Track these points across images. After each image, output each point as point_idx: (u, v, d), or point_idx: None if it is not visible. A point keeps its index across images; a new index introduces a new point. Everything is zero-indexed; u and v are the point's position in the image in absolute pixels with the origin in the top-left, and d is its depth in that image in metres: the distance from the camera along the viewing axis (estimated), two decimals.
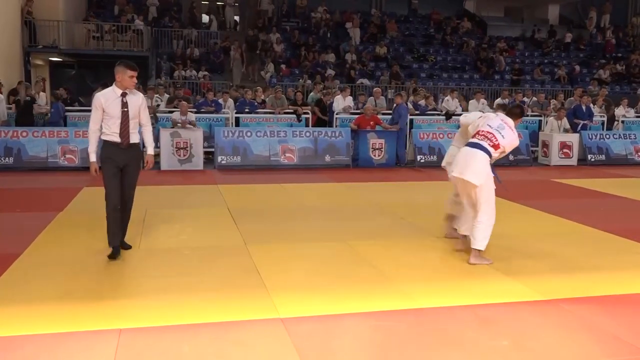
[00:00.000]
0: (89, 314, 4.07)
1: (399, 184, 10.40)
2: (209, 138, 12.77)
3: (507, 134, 5.35)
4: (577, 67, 22.63)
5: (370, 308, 4.25)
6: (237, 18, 24.66)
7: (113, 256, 5.34)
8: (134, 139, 5.39)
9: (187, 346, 3.61)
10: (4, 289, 4.54)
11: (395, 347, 3.66)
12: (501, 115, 5.56)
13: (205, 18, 23.67)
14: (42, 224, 6.64)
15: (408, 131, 13.69)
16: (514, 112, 5.61)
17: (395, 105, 13.15)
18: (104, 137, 5.32)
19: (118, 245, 5.43)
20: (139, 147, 5.59)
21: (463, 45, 23.29)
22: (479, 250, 5.33)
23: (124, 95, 5.32)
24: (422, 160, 12.64)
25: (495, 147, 5.31)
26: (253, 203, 8.44)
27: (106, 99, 5.30)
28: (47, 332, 3.78)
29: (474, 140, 5.41)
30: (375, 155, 12.54)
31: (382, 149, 12.53)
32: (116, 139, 5.28)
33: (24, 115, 12.58)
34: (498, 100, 15.51)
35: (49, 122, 12.59)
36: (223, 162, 11.99)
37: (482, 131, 5.41)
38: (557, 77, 21.99)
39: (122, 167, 5.36)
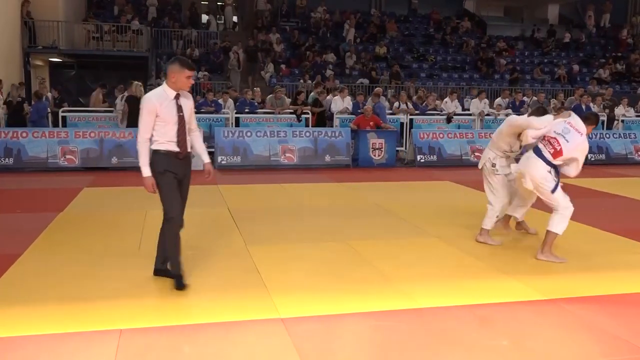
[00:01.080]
0: (90, 314, 4.08)
1: (399, 184, 10.40)
2: (208, 138, 12.76)
3: (573, 138, 5.39)
4: (577, 67, 22.64)
5: (370, 308, 4.26)
6: (235, 18, 24.65)
7: (181, 286, 4.58)
8: (189, 147, 4.78)
9: (188, 346, 3.62)
10: (5, 290, 4.55)
11: (395, 347, 3.67)
12: (572, 118, 5.57)
13: (204, 18, 23.68)
14: (42, 224, 6.65)
15: (408, 131, 13.72)
16: (590, 118, 5.69)
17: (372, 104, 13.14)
18: (155, 147, 4.59)
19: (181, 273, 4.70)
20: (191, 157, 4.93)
21: (463, 45, 23.30)
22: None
23: (177, 97, 4.60)
24: (422, 160, 12.65)
25: (557, 154, 5.39)
26: (253, 203, 8.45)
27: (160, 102, 4.52)
28: (48, 332, 3.79)
29: (539, 145, 5.59)
30: (375, 155, 12.55)
31: (382, 149, 12.53)
32: (174, 148, 4.59)
33: (15, 116, 12.57)
34: (498, 100, 15.54)
35: (30, 120, 12.54)
36: (223, 162, 12.00)
37: (547, 137, 5.52)
38: (557, 77, 22.01)
39: (180, 179, 4.74)
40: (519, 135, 5.88)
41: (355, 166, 12.46)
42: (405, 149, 13.89)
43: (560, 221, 5.45)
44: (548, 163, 5.43)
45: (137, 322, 3.96)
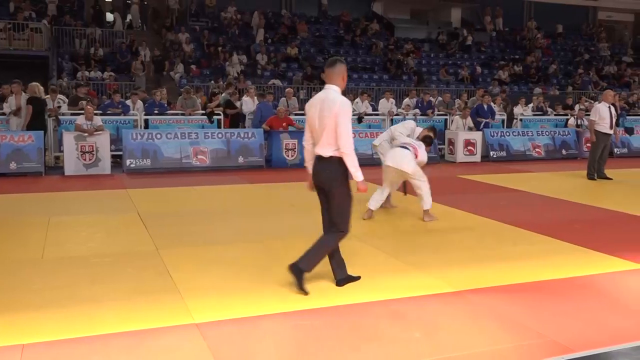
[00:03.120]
0: None
1: None
2: (116, 141, 12.32)
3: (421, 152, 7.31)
4: (479, 69, 23.75)
5: (287, 308, 4.26)
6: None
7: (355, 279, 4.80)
8: None
9: (97, 358, 3.47)
10: None
11: (313, 346, 3.69)
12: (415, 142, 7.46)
13: (109, 17, 22.81)
14: None
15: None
16: (426, 141, 7.62)
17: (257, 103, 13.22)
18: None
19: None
20: None
21: (372, 46, 23.82)
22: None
23: None
24: None
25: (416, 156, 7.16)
26: (164, 207, 8.24)
27: None
28: None
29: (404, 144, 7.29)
30: (288, 156, 12.58)
31: (295, 150, 12.58)
32: None
33: None
34: (406, 100, 15.99)
35: None
36: (132, 165, 11.61)
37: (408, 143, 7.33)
38: (460, 78, 22.97)
39: None
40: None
41: (269, 167, 12.44)
42: None
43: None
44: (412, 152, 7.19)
45: (41, 335, 3.74)
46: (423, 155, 7.26)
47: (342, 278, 4.76)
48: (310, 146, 4.66)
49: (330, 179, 4.48)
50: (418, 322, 4.07)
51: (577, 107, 17.41)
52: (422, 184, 7.13)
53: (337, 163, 4.44)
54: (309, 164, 4.72)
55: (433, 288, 4.74)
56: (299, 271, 4.51)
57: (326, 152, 4.44)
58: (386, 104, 15.30)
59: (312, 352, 3.61)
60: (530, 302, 4.48)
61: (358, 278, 4.83)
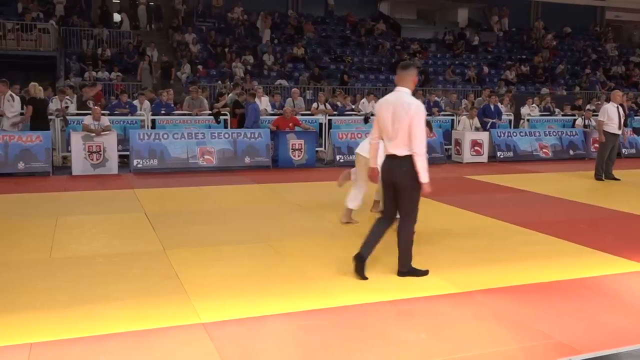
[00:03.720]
0: None
1: (318, 184, 10.49)
2: (123, 141, 12.37)
3: None
4: (486, 69, 23.69)
5: (293, 308, 4.27)
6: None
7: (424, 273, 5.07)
8: None
9: (104, 357, 3.49)
10: None
11: (319, 346, 3.69)
12: None
13: (117, 17, 22.89)
14: None
15: (328, 132, 13.85)
16: None
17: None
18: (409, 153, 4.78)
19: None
20: None
21: (378, 46, 23.81)
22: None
23: None
24: (341, 160, 12.81)
25: None
26: (171, 207, 8.26)
27: None
28: None
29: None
30: (295, 156, 12.59)
31: (302, 150, 12.59)
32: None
33: None
34: None
35: None
36: (139, 165, 11.65)
37: None
38: (467, 78, 22.92)
39: None
40: None
41: (275, 167, 12.45)
42: (325, 149, 14.03)
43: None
44: None
45: (48, 334, 3.77)
46: None
47: (366, 255, 4.97)
48: (377, 144, 5.05)
49: (405, 177, 4.78)
50: (424, 323, 4.07)
51: (588, 106, 17.33)
52: None
53: (412, 162, 4.74)
54: (374, 160, 5.14)
55: (439, 289, 4.74)
56: (407, 273, 4.95)
57: (401, 151, 4.76)
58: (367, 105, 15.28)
59: (318, 352, 3.62)
60: (537, 303, 4.48)
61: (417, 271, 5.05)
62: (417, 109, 4.70)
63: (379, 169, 5.08)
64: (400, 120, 4.69)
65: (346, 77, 20.64)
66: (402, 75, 4.83)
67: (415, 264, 5.07)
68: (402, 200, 4.87)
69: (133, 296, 4.49)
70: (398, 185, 4.84)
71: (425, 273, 5.01)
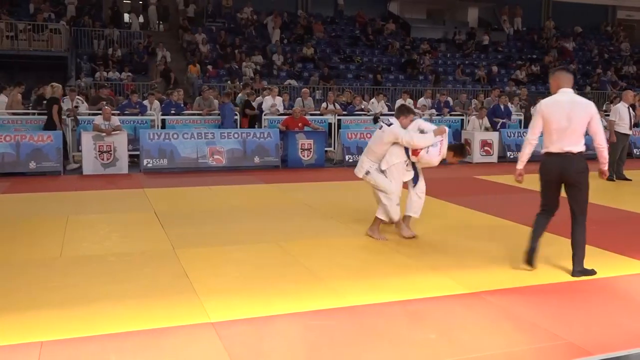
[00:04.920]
0: (9, 326, 3.87)
1: (328, 184, 10.49)
2: (133, 141, 12.42)
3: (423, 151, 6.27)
4: (496, 68, 23.58)
5: (302, 308, 4.27)
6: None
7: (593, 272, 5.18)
8: None
9: (114, 355, 3.50)
10: None
11: (327, 346, 3.69)
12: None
13: (127, 17, 23.01)
14: None
15: (337, 131, 13.84)
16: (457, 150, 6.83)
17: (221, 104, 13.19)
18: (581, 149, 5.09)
19: None
20: None
21: (388, 46, 23.77)
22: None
23: None
24: (350, 160, 12.79)
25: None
26: (181, 206, 8.29)
27: None
28: None
29: None
30: (304, 156, 12.60)
31: (311, 150, 12.60)
32: None
33: None
34: (422, 100, 15.94)
35: None
36: (149, 165, 11.70)
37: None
38: (477, 78, 22.83)
39: None
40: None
41: (285, 167, 12.46)
42: (334, 149, 14.02)
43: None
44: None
45: (59, 333, 3.79)
46: (426, 155, 6.24)
47: (536, 246, 5.19)
48: (535, 143, 5.44)
49: (580, 173, 5.03)
50: (434, 323, 4.06)
51: (605, 106, 17.20)
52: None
53: (584, 158, 5.00)
54: (526, 159, 5.60)
55: (449, 289, 4.72)
56: (583, 273, 5.04)
57: (577, 148, 5.02)
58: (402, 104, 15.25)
59: (327, 352, 3.61)
60: (547, 303, 4.45)
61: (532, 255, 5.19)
62: (594, 107, 5.12)
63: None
64: (579, 119, 4.98)
65: (379, 77, 20.66)
66: (566, 77, 5.18)
67: (426, 265, 5.05)
68: (580, 197, 5.07)
69: (143, 295, 4.51)
70: (573, 181, 5.04)
71: (593, 272, 5.09)
